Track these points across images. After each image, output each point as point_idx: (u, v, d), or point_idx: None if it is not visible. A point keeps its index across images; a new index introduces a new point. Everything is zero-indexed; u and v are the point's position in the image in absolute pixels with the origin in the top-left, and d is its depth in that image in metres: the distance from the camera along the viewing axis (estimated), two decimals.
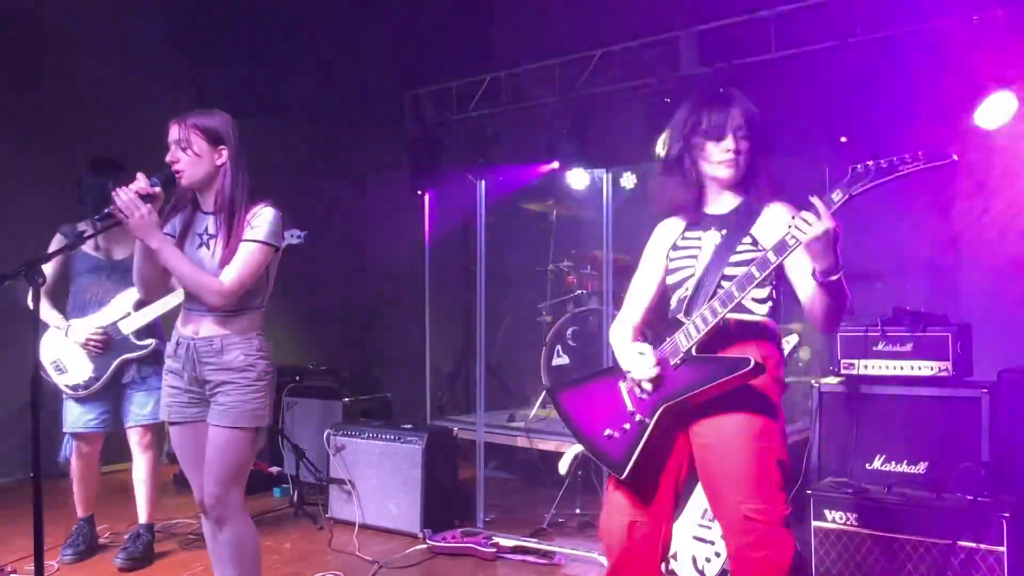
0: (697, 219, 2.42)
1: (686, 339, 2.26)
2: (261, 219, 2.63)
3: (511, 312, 6.41)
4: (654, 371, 2.26)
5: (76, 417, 3.82)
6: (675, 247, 2.44)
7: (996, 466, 3.23)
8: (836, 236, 2.03)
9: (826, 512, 3.36)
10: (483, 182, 4.68)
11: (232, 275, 2.58)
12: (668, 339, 2.30)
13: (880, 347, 3.67)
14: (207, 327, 2.65)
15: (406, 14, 6.39)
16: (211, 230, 2.66)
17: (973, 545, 3.03)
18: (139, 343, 3.82)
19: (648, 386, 2.29)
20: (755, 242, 2.30)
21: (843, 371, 3.73)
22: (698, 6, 5.69)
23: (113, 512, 4.39)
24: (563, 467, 3.81)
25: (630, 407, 2.33)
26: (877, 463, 3.56)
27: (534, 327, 5.85)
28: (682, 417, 2.30)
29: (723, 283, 2.27)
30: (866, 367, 3.68)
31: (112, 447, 4.14)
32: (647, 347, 2.33)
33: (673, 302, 2.44)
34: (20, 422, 5.21)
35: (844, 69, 4.90)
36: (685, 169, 2.37)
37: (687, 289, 2.36)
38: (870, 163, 2.09)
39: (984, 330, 3.76)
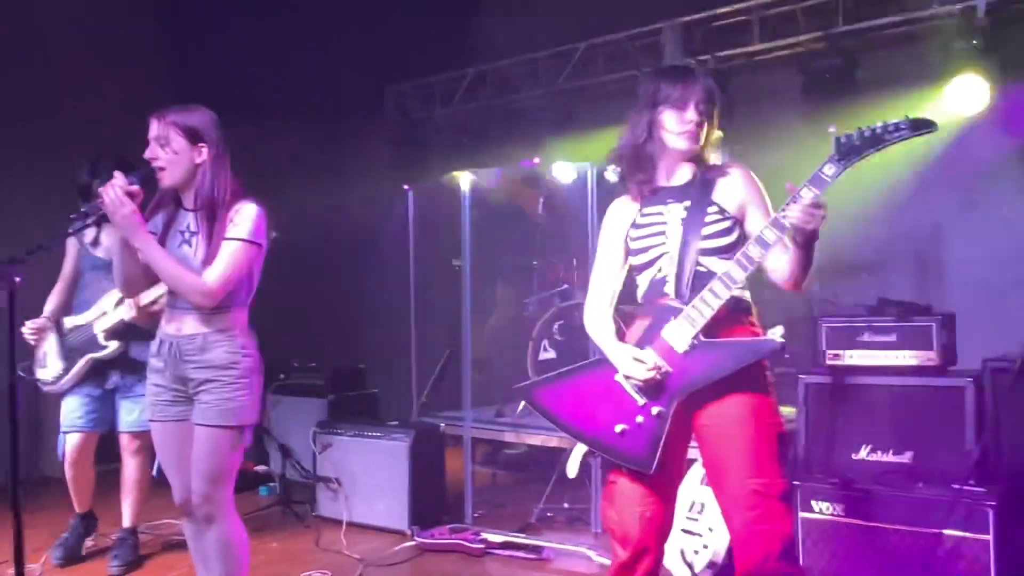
0: (652, 194, 2.42)
1: (690, 325, 2.26)
2: (243, 216, 2.61)
3: (497, 307, 6.40)
4: (654, 373, 2.27)
5: (65, 415, 3.84)
6: (635, 226, 2.43)
7: (981, 455, 3.24)
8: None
9: (813, 503, 3.37)
10: (466, 177, 4.66)
11: (216, 274, 2.56)
12: (666, 327, 2.28)
13: (865, 337, 3.68)
14: (190, 324, 2.62)
15: (387, 8, 6.34)
16: (193, 227, 2.63)
17: (959, 534, 3.04)
18: (102, 343, 3.74)
19: (659, 378, 2.29)
20: (722, 210, 2.34)
21: (828, 362, 3.73)
22: None
23: (101, 513, 4.34)
24: (572, 470, 3.66)
25: (640, 400, 2.31)
26: (863, 453, 3.57)
27: (520, 322, 5.84)
28: (688, 402, 2.32)
29: (702, 259, 2.30)
30: (851, 357, 3.68)
31: (105, 446, 4.11)
32: (644, 352, 2.31)
33: (643, 283, 2.42)
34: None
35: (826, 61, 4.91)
36: (647, 138, 2.39)
37: (660, 269, 2.37)
38: (854, 133, 2.13)
39: (968, 319, 3.77)
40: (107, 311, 3.76)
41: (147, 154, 2.58)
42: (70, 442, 3.86)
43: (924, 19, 4.87)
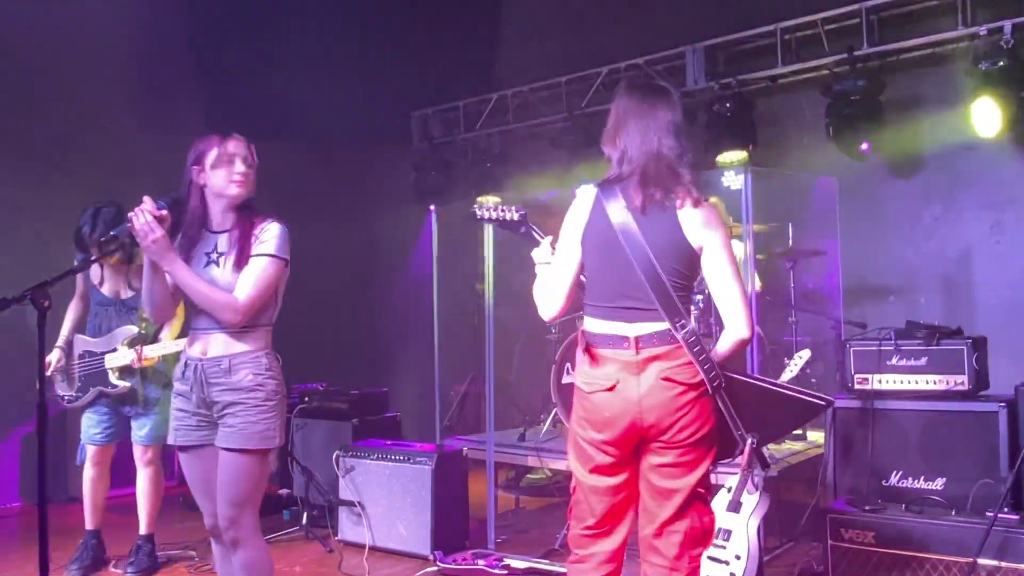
0: None
1: None
2: (269, 233, 2.65)
3: (520, 329, 6.39)
4: None
5: (86, 429, 4.03)
6: None
7: (1016, 481, 3.17)
8: None
9: (842, 531, 3.30)
10: (489, 199, 4.67)
11: (247, 290, 2.59)
12: None
13: (894, 361, 3.63)
14: (216, 346, 2.64)
15: (413, 34, 6.42)
16: (220, 248, 2.66)
17: (994, 563, 2.97)
18: (113, 382, 3.93)
19: None
20: None
21: (857, 386, 3.68)
22: (704, 21, 5.69)
23: (122, 536, 4.36)
24: None
25: None
26: (893, 479, 3.50)
27: (543, 344, 5.82)
28: None
29: None
30: (880, 382, 3.63)
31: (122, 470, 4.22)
32: None
33: None
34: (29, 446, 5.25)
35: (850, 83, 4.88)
36: None
37: None
38: None
39: (998, 343, 3.71)
40: (118, 348, 3.92)
41: (238, 175, 2.65)
42: (96, 452, 4.03)
43: (950, 40, 4.84)
